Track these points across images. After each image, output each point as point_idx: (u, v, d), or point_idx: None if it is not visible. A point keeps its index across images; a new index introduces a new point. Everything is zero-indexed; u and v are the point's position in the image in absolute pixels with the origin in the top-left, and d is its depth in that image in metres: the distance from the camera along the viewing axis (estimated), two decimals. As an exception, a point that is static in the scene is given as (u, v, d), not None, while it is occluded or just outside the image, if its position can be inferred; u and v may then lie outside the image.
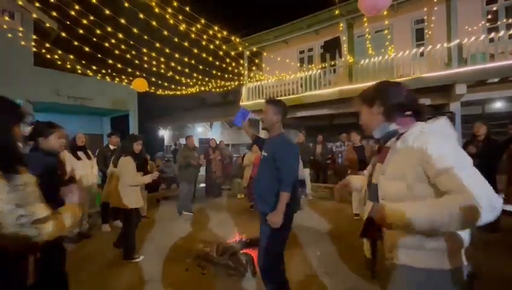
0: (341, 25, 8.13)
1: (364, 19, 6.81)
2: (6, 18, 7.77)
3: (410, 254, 1.01)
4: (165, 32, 5.72)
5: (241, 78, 10.03)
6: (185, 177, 5.35)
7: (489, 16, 6.79)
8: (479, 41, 6.19)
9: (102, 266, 3.12)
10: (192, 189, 5.86)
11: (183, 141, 10.76)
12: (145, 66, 7.36)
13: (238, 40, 6.91)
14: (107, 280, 2.82)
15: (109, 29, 5.50)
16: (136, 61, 7.08)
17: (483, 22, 6.83)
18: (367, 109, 1.21)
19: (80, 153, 4.15)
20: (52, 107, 9.11)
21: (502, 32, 6.03)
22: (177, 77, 8.10)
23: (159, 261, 3.23)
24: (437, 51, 6.71)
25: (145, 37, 5.84)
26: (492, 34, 6.12)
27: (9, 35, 6.63)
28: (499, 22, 6.68)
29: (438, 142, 0.96)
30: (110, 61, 6.91)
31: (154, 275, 2.88)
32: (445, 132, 1.04)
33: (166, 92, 9.29)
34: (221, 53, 7.33)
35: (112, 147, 4.76)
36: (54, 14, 5.34)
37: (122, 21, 5.15)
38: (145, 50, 6.61)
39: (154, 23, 5.34)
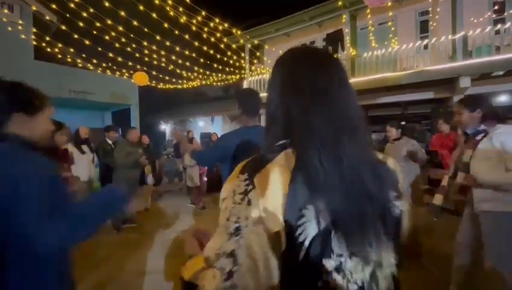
0: (344, 17, 8.00)
1: (368, 11, 6.70)
2: (6, 11, 7.70)
3: (491, 204, 1.70)
4: (166, 25, 5.66)
5: (243, 71, 9.96)
6: (123, 179, 4.10)
7: (496, 7, 6.65)
8: (485, 33, 6.07)
9: (105, 257, 3.16)
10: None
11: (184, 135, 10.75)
12: (146, 59, 7.31)
13: (239, 32, 6.82)
14: (110, 271, 2.86)
15: (109, 22, 5.44)
16: (137, 55, 7.03)
17: (489, 13, 6.69)
18: (468, 112, 1.79)
19: (84, 147, 4.16)
20: (53, 101, 9.06)
21: (508, 24, 5.90)
22: (178, 71, 8.05)
23: (161, 253, 3.27)
24: (441, 43, 6.60)
25: (146, 29, 5.78)
26: (499, 26, 6.01)
27: (9, 28, 6.59)
28: (505, 13, 6.54)
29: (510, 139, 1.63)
30: (111, 55, 6.86)
31: (156, 268, 2.92)
32: None
33: (167, 86, 9.25)
34: (222, 46, 7.26)
35: (110, 141, 4.66)
36: (54, 6, 5.29)
37: (122, 13, 5.09)
38: (145, 43, 6.56)
39: (154, 15, 5.28)
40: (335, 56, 0.63)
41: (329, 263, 0.49)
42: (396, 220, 0.56)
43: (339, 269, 0.49)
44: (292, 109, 0.55)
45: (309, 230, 0.48)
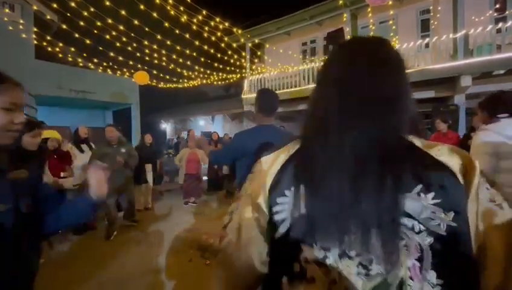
0: (345, 15, 7.98)
1: (369, 10, 6.68)
2: (7, 10, 7.72)
3: None
4: (166, 24, 5.66)
5: (243, 70, 9.95)
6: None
7: (497, 6, 6.63)
8: (486, 32, 6.05)
9: (107, 256, 3.18)
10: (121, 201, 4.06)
11: (185, 134, 10.76)
12: (147, 58, 7.31)
13: (240, 31, 6.81)
14: (110, 271, 2.87)
15: (110, 21, 5.44)
16: (138, 54, 7.04)
17: (490, 12, 6.66)
18: (480, 113, 1.80)
19: (83, 146, 4.17)
20: (54, 101, 9.12)
21: (509, 23, 5.88)
22: (179, 70, 8.05)
23: (163, 251, 3.28)
24: (442, 42, 6.58)
25: (146, 29, 5.78)
26: (500, 25, 5.98)
27: (10, 27, 6.59)
28: (506, 12, 6.51)
29: (479, 137, 1.62)
30: (112, 54, 6.87)
31: (157, 265, 2.93)
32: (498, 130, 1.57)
33: (167, 85, 9.25)
34: (223, 45, 7.25)
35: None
36: (54, 5, 5.29)
37: (123, 13, 5.09)
38: (146, 42, 6.56)
39: (155, 14, 5.28)
40: (373, 41, 0.56)
41: (310, 252, 0.48)
42: (441, 239, 0.42)
43: (321, 262, 0.47)
44: (312, 101, 0.58)
45: (288, 211, 0.51)
